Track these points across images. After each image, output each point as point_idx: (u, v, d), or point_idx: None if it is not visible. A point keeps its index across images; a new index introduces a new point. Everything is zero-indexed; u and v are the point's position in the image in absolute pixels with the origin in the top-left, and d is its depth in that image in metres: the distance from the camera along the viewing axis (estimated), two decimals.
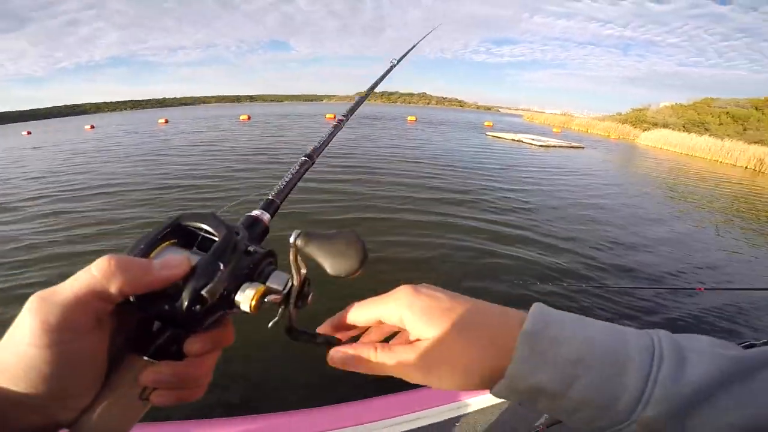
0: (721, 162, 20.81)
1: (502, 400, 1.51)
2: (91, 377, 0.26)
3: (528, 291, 4.20)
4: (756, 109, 26.71)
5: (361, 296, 0.33)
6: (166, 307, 0.26)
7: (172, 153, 13.53)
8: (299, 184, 0.51)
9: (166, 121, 33.38)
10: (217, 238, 0.30)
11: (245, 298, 0.28)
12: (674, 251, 6.07)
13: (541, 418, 1.91)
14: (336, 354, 0.33)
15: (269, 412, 1.73)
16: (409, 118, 36.20)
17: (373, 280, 4.43)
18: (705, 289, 2.42)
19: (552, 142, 21.30)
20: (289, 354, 2.87)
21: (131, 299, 0.26)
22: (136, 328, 0.28)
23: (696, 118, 28.86)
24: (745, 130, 25.27)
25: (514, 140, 21.55)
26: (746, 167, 19.32)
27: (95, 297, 0.24)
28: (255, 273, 0.30)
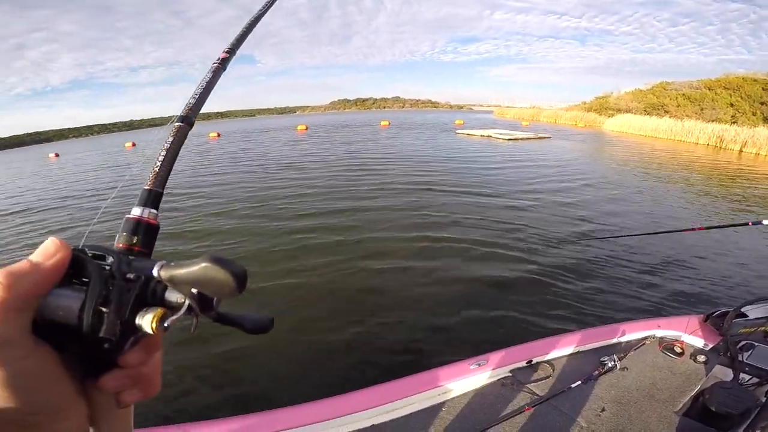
0: (683, 141, 21.61)
1: (485, 383, 1.69)
2: (62, 392, 0.27)
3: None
4: (709, 89, 27.97)
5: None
6: (81, 347, 0.27)
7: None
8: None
9: (133, 145, 32.51)
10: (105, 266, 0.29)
11: (146, 324, 0.28)
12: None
13: (527, 398, 1.97)
14: None
15: (257, 411, 1.77)
16: (382, 123, 36.71)
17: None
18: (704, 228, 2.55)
19: (519, 135, 21.62)
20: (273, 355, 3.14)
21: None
22: (81, 357, 0.29)
23: (655, 102, 30.01)
24: (702, 110, 26.35)
25: (483, 136, 21.87)
26: (707, 144, 20.16)
27: (7, 310, 0.24)
28: (148, 296, 0.29)
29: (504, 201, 7.78)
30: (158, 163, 0.41)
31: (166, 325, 0.29)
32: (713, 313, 2.37)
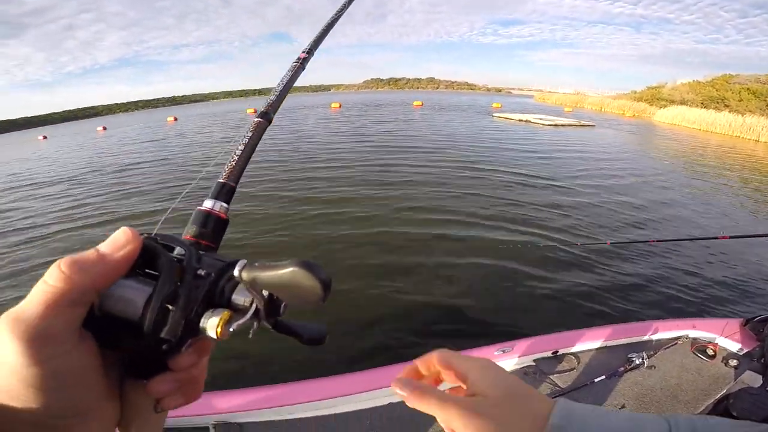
0: (741, 138, 19.95)
1: (508, 370, 1.52)
2: (93, 393, 0.25)
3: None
4: None
5: None
6: (138, 346, 0.25)
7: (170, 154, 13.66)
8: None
9: (175, 119, 33.87)
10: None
11: (210, 327, 0.26)
12: None
13: (548, 389, 2.00)
14: (409, 386, 0.35)
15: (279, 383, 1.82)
16: (414, 102, 36.30)
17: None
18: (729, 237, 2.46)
19: (561, 121, 20.73)
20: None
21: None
22: (130, 356, 0.27)
23: (715, 95, 27.72)
24: None
25: (521, 120, 21.11)
26: None
27: (63, 303, 0.22)
28: (215, 295, 0.27)
29: (542, 188, 7.54)
30: (235, 157, 0.40)
31: (231, 329, 0.26)
32: (754, 317, 2.27)
